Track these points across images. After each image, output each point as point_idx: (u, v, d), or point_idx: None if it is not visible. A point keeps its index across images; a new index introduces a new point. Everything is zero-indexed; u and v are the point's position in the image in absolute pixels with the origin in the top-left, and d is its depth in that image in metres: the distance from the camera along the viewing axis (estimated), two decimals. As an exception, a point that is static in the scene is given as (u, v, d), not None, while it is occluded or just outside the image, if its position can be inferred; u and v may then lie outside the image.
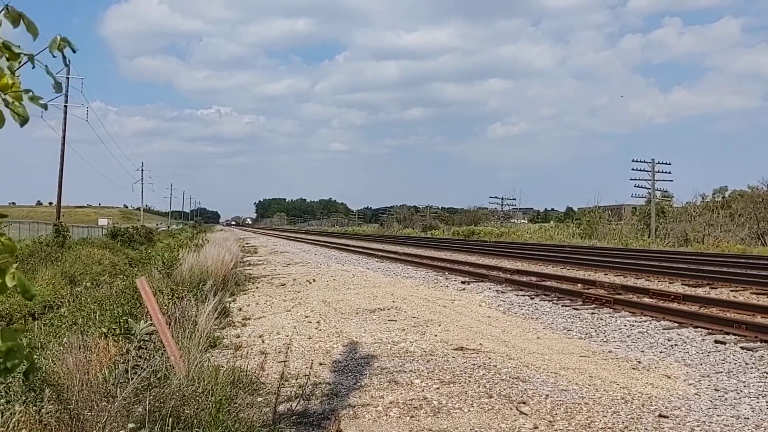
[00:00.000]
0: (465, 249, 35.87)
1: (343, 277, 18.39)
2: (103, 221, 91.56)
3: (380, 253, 30.63)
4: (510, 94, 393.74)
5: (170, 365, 5.53)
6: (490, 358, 7.67)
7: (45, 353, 5.97)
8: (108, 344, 6.16)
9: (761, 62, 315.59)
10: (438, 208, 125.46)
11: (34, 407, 4.29)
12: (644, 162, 50.16)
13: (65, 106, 42.35)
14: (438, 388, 6.34)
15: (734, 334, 8.98)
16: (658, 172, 50.15)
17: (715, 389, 6.35)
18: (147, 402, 4.58)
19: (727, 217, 44.29)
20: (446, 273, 19.70)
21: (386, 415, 5.49)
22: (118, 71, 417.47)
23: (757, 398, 6.02)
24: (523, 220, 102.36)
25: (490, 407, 5.71)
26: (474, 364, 7.36)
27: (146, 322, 5.90)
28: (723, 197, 53.14)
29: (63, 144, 40.68)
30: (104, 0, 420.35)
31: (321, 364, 7.42)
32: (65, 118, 41.92)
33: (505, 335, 9.25)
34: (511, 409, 5.66)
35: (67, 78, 42.84)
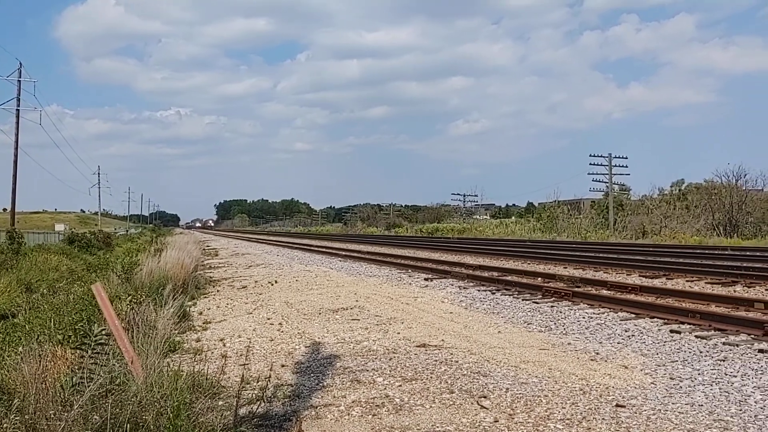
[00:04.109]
0: (428, 246, 36.06)
1: (306, 278, 18.33)
2: (59, 227, 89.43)
3: (344, 253, 30.60)
4: (471, 92, 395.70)
5: (128, 371, 5.46)
6: (452, 354, 7.73)
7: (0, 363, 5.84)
8: (65, 352, 6.05)
9: (714, 58, 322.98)
10: (401, 206, 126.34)
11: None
12: (601, 156, 51.17)
13: (17, 110, 41.47)
14: (400, 386, 6.36)
15: (689, 324, 9.20)
16: (615, 166, 51.15)
17: (671, 378, 6.50)
18: (104, 409, 4.51)
19: (684, 209, 45.29)
20: (409, 270, 19.77)
21: (348, 414, 5.50)
22: (75, 74, 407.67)
23: (711, 385, 6.18)
24: (485, 216, 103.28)
25: (451, 402, 5.75)
26: (436, 361, 7.40)
27: (103, 328, 5.81)
28: (679, 190, 54.30)
29: (16, 149, 39.84)
30: (59, 2, 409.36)
31: (283, 365, 7.39)
32: (17, 122, 41.05)
33: (467, 330, 9.33)
34: (472, 403, 5.71)
35: (19, 81, 41.96)
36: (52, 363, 5.64)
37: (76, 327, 6.77)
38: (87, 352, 5.37)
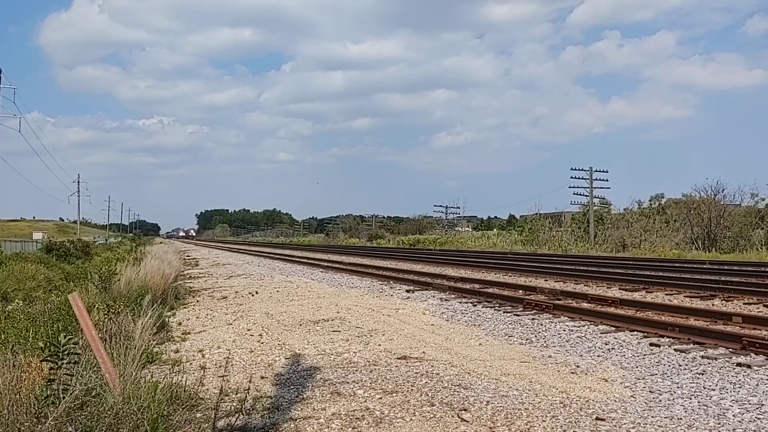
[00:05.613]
0: (410, 257, 36.06)
1: (287, 289, 18.24)
2: (37, 235, 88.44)
3: (325, 264, 30.51)
4: (455, 105, 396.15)
5: (105, 382, 5.38)
6: (432, 366, 7.71)
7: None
8: (41, 362, 5.95)
9: (694, 74, 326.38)
10: (384, 217, 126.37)
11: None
12: (582, 170, 51.62)
13: (-4, 117, 41.03)
14: (380, 398, 6.33)
15: (668, 337, 9.26)
16: (596, 179, 51.59)
17: (650, 391, 6.52)
18: (79, 422, 4.44)
19: (663, 222, 45.68)
20: (391, 282, 19.74)
21: (328, 427, 5.45)
22: (57, 81, 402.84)
23: (690, 398, 6.21)
24: (467, 228, 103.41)
25: (432, 415, 5.73)
26: (417, 373, 7.38)
27: (80, 338, 5.73)
28: (659, 204, 54.76)
29: (-6, 156, 39.38)
30: (42, 9, 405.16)
31: (263, 377, 7.33)
32: (-4, 129, 40.60)
33: (448, 343, 9.32)
34: (452, 416, 5.69)
35: (-2, 87, 41.57)
36: (27, 374, 5.54)
37: (52, 337, 6.67)
38: (62, 362, 5.28)
